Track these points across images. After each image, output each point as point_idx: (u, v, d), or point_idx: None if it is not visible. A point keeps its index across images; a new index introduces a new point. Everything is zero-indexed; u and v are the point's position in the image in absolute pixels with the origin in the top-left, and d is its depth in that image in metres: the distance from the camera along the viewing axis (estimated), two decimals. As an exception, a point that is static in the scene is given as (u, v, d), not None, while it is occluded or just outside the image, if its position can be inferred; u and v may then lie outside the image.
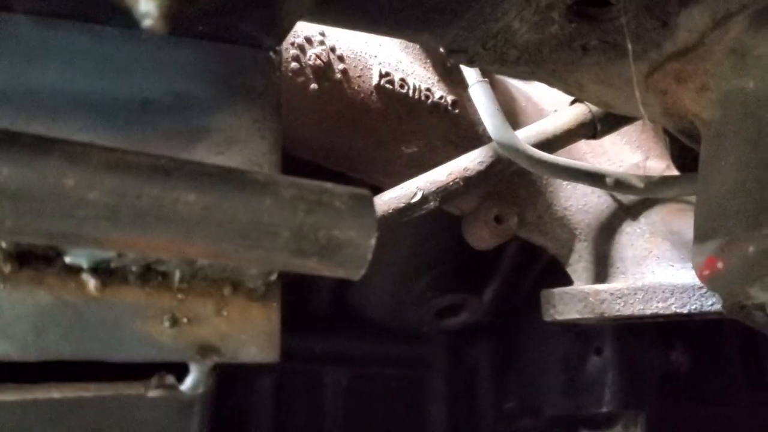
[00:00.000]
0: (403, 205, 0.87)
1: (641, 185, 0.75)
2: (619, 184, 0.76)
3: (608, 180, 0.76)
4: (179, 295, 0.52)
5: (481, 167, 0.89)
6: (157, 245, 0.48)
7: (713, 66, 0.61)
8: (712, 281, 0.58)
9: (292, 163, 1.00)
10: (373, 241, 0.52)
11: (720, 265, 0.57)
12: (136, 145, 0.53)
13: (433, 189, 0.88)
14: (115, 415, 0.51)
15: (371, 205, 0.53)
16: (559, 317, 0.94)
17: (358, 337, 1.30)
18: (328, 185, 0.53)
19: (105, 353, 0.50)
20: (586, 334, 1.26)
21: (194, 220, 0.48)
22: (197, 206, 0.47)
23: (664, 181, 0.78)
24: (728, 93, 0.61)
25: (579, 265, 1.00)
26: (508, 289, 1.33)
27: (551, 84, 0.70)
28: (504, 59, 0.65)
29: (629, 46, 0.57)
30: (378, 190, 0.90)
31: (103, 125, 0.53)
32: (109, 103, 0.53)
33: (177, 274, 0.52)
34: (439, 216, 1.12)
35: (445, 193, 0.89)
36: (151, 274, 0.52)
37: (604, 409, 1.25)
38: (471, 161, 0.89)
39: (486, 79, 0.84)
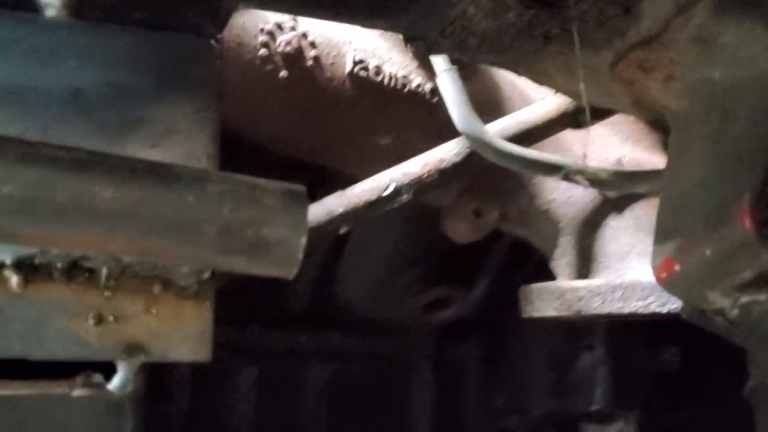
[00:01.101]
0: (375, 198, 0.85)
1: (611, 179, 0.72)
2: (588, 179, 0.73)
3: (576, 175, 0.73)
4: (106, 293, 0.50)
5: (458, 159, 0.86)
6: (76, 241, 0.46)
7: (678, 55, 0.58)
8: (669, 284, 0.55)
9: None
10: (303, 240, 0.50)
11: (677, 267, 0.54)
12: (67, 136, 0.52)
13: (407, 181, 0.86)
14: (40, 415, 0.50)
15: (304, 202, 0.50)
16: (536, 314, 0.91)
17: (340, 333, 1.28)
18: (261, 181, 0.51)
19: (27, 351, 0.48)
20: (577, 330, 1.23)
21: (114, 216, 0.46)
22: (117, 202, 0.46)
23: (635, 175, 0.75)
24: (694, 83, 0.58)
25: (563, 260, 0.97)
26: (498, 284, 1.30)
27: (518, 73, 0.67)
28: (464, 47, 0.63)
29: (575, 33, 0.54)
30: (355, 180, 0.88)
31: (34, 116, 0.51)
32: (41, 94, 0.52)
33: (104, 272, 0.51)
34: (425, 209, 1.10)
35: (419, 186, 0.86)
36: (77, 271, 0.50)
37: (594, 408, 1.22)
38: (447, 152, 0.87)
39: (454, 67, 0.81)
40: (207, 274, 0.53)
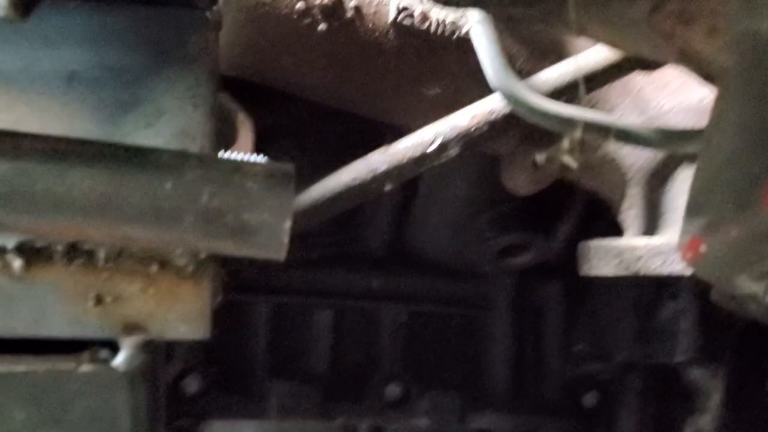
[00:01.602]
0: (420, 153, 0.82)
1: (655, 138, 0.66)
2: (627, 137, 0.67)
3: (614, 132, 0.67)
4: (104, 274, 0.52)
5: (509, 109, 0.81)
6: (56, 231, 0.47)
7: (720, 4, 0.51)
8: (696, 266, 0.50)
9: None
10: (288, 225, 0.48)
11: (703, 248, 0.49)
12: (62, 121, 0.52)
13: (454, 135, 0.82)
14: (49, 390, 0.52)
15: (289, 184, 0.49)
16: (593, 272, 0.87)
17: (416, 275, 1.27)
18: (245, 162, 0.50)
19: (30, 331, 0.51)
20: (662, 277, 1.16)
21: (91, 206, 0.46)
22: (93, 192, 0.46)
23: (683, 134, 0.68)
24: (739, 36, 0.51)
25: (630, 213, 0.91)
26: (583, 229, 1.24)
27: (551, 26, 0.62)
28: (484, 1, 0.58)
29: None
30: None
31: (28, 102, 0.52)
32: (34, 79, 0.52)
33: (102, 254, 0.52)
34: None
35: (468, 139, 0.82)
36: (76, 253, 0.52)
37: (677, 360, 1.16)
38: (498, 103, 0.82)
39: (488, 18, 0.76)
40: (203, 254, 0.53)
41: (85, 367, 0.51)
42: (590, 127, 0.69)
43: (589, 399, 1.30)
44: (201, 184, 0.47)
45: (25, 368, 0.51)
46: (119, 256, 0.52)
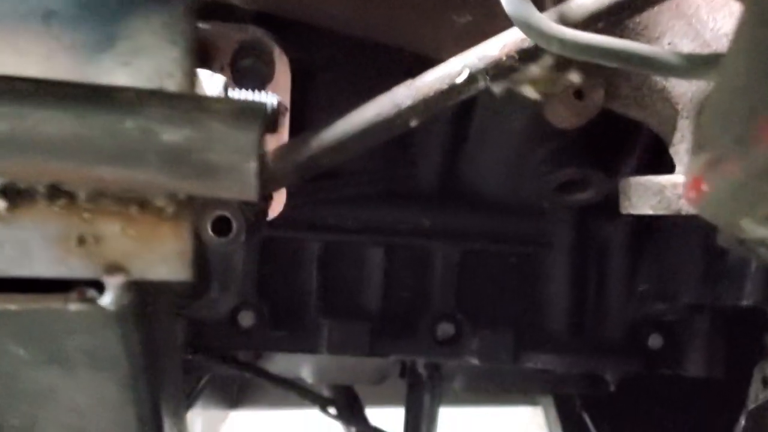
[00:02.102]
0: (446, 86, 0.78)
1: (679, 64, 0.59)
2: (648, 64, 0.60)
3: (634, 59, 0.60)
4: (86, 215, 0.52)
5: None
6: (22, 171, 0.47)
7: None
8: (699, 207, 0.45)
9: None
10: (253, 165, 0.47)
11: (705, 187, 0.44)
12: (39, 61, 0.52)
13: (482, 66, 0.77)
14: (40, 328, 0.54)
15: (255, 123, 0.47)
16: (633, 211, 0.81)
17: (470, 212, 1.24)
18: (211, 99, 0.48)
19: (18, 270, 0.52)
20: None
21: (54, 146, 0.46)
22: (56, 133, 0.46)
23: (709, 60, 0.60)
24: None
25: (681, 146, 0.84)
26: (648, 165, 1.17)
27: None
28: None
29: None
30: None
31: (4, 43, 0.52)
32: (11, 18, 0.52)
33: (82, 194, 0.52)
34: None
35: (498, 70, 0.77)
36: (58, 194, 0.52)
37: (745, 303, 1.09)
38: (530, 30, 0.76)
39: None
40: (182, 196, 0.52)
41: (74, 306, 0.52)
42: (608, 54, 0.64)
43: (655, 340, 1.25)
44: (162, 122, 0.46)
45: (17, 306, 0.52)
46: (99, 196, 0.52)
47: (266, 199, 0.84)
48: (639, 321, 1.25)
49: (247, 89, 0.97)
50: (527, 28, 0.67)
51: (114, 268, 0.51)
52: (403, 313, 1.23)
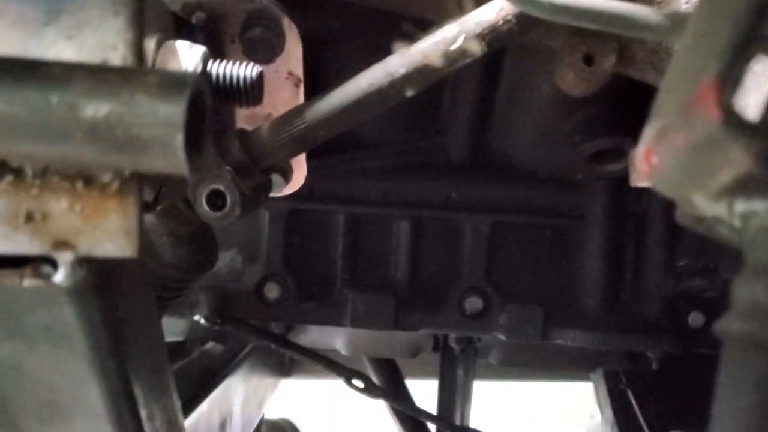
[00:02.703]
0: (441, 53, 0.75)
1: (666, 24, 0.54)
2: (636, 26, 0.55)
3: (621, 21, 0.55)
4: (34, 191, 0.52)
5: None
6: (-44, 150, 0.47)
7: None
8: (652, 181, 0.41)
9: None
10: (179, 138, 0.45)
11: (654, 160, 0.40)
12: (-14, 35, 0.52)
13: (479, 31, 0.73)
14: (2, 305, 0.54)
15: (182, 95, 0.45)
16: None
17: (500, 183, 1.20)
18: (138, 72, 0.47)
19: (-32, 247, 0.52)
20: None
21: (-17, 123, 0.46)
22: (-17, 109, 0.45)
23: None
24: None
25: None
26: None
27: None
28: None
29: None
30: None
31: (-48, 18, 0.52)
32: (-43, -7, 0.52)
33: (29, 171, 0.51)
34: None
35: (495, 35, 0.73)
36: (5, 170, 0.52)
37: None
38: (529, -8, 0.72)
39: None
40: (128, 171, 0.51)
41: (27, 282, 0.52)
42: (586, 15, 0.59)
43: (696, 319, 1.19)
44: (87, 97, 0.45)
45: (-30, 283, 0.52)
46: (46, 173, 0.51)
47: (264, 172, 0.83)
48: (678, 298, 1.18)
49: (257, 60, 0.96)
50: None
51: (62, 245, 0.51)
52: (430, 287, 1.21)
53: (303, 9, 0.95)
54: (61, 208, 0.51)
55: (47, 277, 0.53)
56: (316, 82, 0.98)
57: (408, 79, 0.76)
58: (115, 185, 0.52)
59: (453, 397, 1.42)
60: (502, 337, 1.19)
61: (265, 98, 0.97)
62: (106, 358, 0.58)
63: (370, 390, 1.17)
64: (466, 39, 0.74)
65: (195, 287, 1.19)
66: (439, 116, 1.19)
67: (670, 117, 0.38)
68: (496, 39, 0.74)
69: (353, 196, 1.20)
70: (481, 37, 0.74)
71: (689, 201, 0.39)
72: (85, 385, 0.59)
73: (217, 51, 0.95)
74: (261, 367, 1.83)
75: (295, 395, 2.68)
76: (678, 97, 0.37)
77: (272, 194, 0.98)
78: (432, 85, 0.77)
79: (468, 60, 0.75)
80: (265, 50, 0.96)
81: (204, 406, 1.31)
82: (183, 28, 0.80)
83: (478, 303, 1.20)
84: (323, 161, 1.17)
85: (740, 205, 0.37)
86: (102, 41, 0.51)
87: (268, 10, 0.94)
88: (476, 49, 0.74)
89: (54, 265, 0.53)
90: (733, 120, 0.33)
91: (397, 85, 0.76)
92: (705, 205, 0.38)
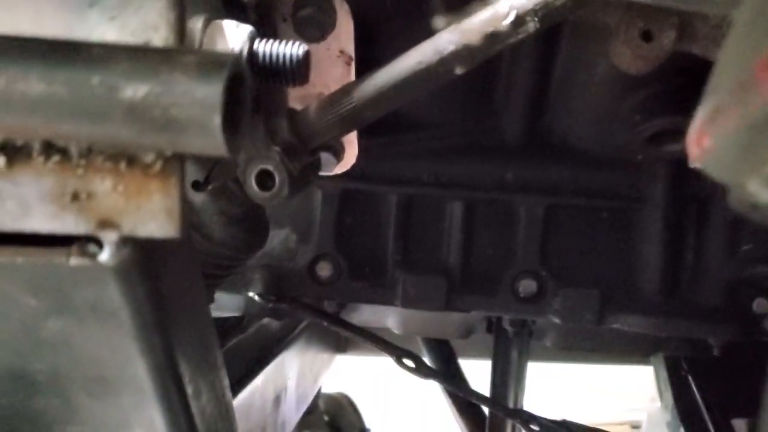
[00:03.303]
0: (492, 30, 0.72)
1: None
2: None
3: None
4: (79, 171, 0.52)
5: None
6: (6, 129, 0.48)
7: None
8: (704, 165, 0.39)
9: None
10: (217, 120, 0.45)
11: (707, 142, 0.37)
12: (31, 18, 0.52)
13: (530, 6, 0.71)
14: (49, 282, 0.55)
15: (219, 76, 0.45)
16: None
17: (555, 165, 1.17)
18: (177, 52, 0.46)
19: (18, 225, 0.53)
20: None
21: (28, 104, 0.46)
22: (28, 91, 0.46)
23: None
24: None
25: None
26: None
27: None
28: None
29: None
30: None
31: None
32: (3, -24, 0.53)
33: (74, 151, 0.52)
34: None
35: (548, 11, 0.71)
36: (52, 151, 0.52)
37: None
38: (585, -34, 0.69)
39: None
40: (169, 152, 0.52)
41: (74, 260, 0.53)
42: None
43: (760, 305, 1.15)
44: (126, 78, 0.45)
45: (22, 259, 0.54)
46: (91, 153, 0.52)
47: (313, 152, 0.83)
48: (741, 283, 1.14)
49: (308, 39, 0.95)
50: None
51: (106, 224, 0.52)
52: (483, 269, 1.20)
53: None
54: (106, 188, 0.52)
55: (93, 256, 0.53)
56: (370, 60, 0.97)
57: (457, 56, 0.74)
58: (157, 166, 0.52)
59: (506, 379, 1.41)
60: (557, 321, 1.17)
61: (317, 77, 0.98)
62: (151, 336, 0.59)
63: (420, 370, 1.17)
64: (517, 15, 0.71)
65: (249, 265, 1.20)
66: (493, 97, 1.16)
67: (725, 96, 0.35)
68: (549, 15, 0.71)
69: (405, 177, 1.19)
70: (533, 12, 0.71)
71: (744, 186, 0.37)
72: (131, 361, 0.60)
73: (268, 30, 0.94)
74: (317, 342, 1.85)
75: (352, 370, 2.71)
76: (734, 74, 0.35)
77: (324, 173, 0.98)
78: (486, 65, 0.76)
79: (520, 37, 0.73)
80: (317, 28, 0.95)
81: (258, 381, 1.34)
82: (234, 8, 0.80)
83: (532, 286, 1.18)
84: (376, 142, 1.16)
85: (798, 193, 0.34)
86: (144, 22, 0.51)
87: (321, -10, 0.94)
88: (528, 25, 0.72)
89: (99, 244, 0.53)
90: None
91: (446, 62, 0.74)
92: (760, 192, 0.36)
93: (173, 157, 0.52)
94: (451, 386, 1.30)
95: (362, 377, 3.07)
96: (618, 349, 1.42)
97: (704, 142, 0.38)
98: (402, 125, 1.19)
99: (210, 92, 0.45)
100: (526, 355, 1.41)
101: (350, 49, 0.97)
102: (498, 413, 1.37)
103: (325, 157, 0.98)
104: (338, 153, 1.01)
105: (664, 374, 1.58)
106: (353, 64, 0.98)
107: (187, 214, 0.53)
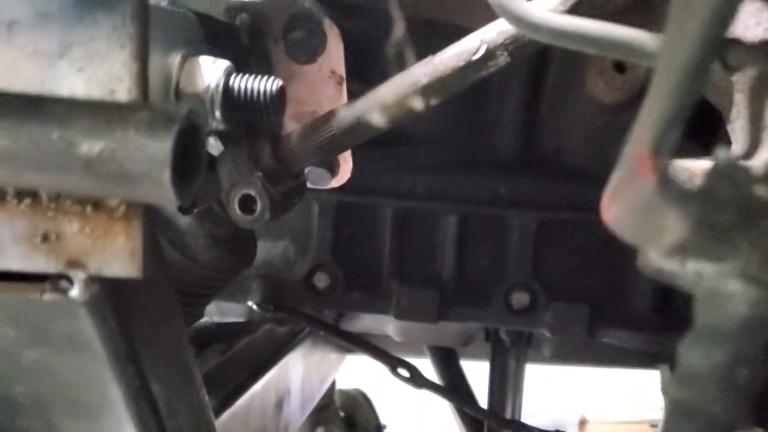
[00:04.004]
0: (464, 63, 0.74)
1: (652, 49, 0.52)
2: (634, 52, 0.53)
3: (618, 45, 0.53)
4: (49, 213, 0.55)
5: (565, 6, 0.70)
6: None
7: None
8: (615, 228, 0.41)
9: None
10: (167, 174, 0.48)
11: (613, 209, 0.39)
12: (6, 70, 0.56)
13: (501, 41, 0.73)
14: (27, 315, 0.59)
15: (169, 132, 0.48)
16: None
17: (548, 180, 1.19)
18: (132, 109, 0.49)
19: (-8, 263, 0.56)
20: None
21: (-4, 157, 0.50)
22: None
23: None
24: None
25: (737, 123, 0.75)
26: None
27: None
28: None
29: None
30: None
31: (-23, 53, 0.56)
32: (-20, 30, 0.56)
33: (44, 195, 0.55)
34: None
35: (518, 45, 0.73)
36: (24, 194, 0.56)
37: None
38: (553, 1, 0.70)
39: None
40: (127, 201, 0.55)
41: (48, 296, 0.56)
42: (586, 40, 0.57)
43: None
44: (84, 134, 0.48)
45: (0, 294, 0.57)
46: (59, 197, 0.55)
47: (296, 177, 0.85)
48: (732, 300, 1.15)
49: (299, 59, 0.98)
50: (501, 8, 0.62)
51: (74, 264, 0.55)
52: (476, 281, 1.22)
53: (349, 12, 0.97)
54: (73, 230, 0.55)
55: (65, 292, 0.57)
56: (362, 81, 0.99)
57: (431, 88, 0.76)
58: (121, 210, 0.55)
59: (504, 387, 1.43)
60: (548, 334, 1.19)
61: (310, 96, 1.00)
62: (124, 363, 0.62)
63: (415, 380, 1.20)
64: (488, 49, 0.73)
65: (248, 275, 1.23)
66: (486, 114, 1.18)
67: (626, 170, 0.37)
68: (519, 49, 0.73)
69: (401, 191, 1.22)
70: (503, 47, 0.73)
71: (646, 254, 0.38)
72: (107, 387, 0.63)
73: (260, 51, 0.97)
74: (323, 344, 1.88)
75: (368, 367, 2.74)
76: (631, 152, 0.36)
77: (319, 187, 1.00)
78: (479, 83, 0.77)
79: (492, 70, 0.74)
80: (307, 50, 0.98)
81: (259, 385, 1.37)
82: (218, 38, 0.83)
83: (525, 298, 1.19)
84: (372, 156, 1.18)
85: (691, 265, 0.36)
86: (109, 73, 0.54)
87: (310, 13, 0.96)
88: (499, 59, 0.74)
89: (70, 281, 0.57)
90: (668, 186, 0.33)
91: (420, 94, 0.76)
92: (658, 260, 0.38)
93: (137, 203, 0.55)
94: (444, 397, 1.32)
95: (377, 374, 3.10)
96: (618, 360, 1.43)
97: (612, 209, 0.39)
98: (398, 140, 1.21)
99: (160, 149, 0.47)
100: (523, 364, 1.43)
101: (341, 70, 1.00)
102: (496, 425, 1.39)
103: (320, 172, 1.01)
104: (333, 168, 1.04)
105: (668, 377, 1.59)
106: (344, 83, 1.01)
107: (154, 253, 0.56)
